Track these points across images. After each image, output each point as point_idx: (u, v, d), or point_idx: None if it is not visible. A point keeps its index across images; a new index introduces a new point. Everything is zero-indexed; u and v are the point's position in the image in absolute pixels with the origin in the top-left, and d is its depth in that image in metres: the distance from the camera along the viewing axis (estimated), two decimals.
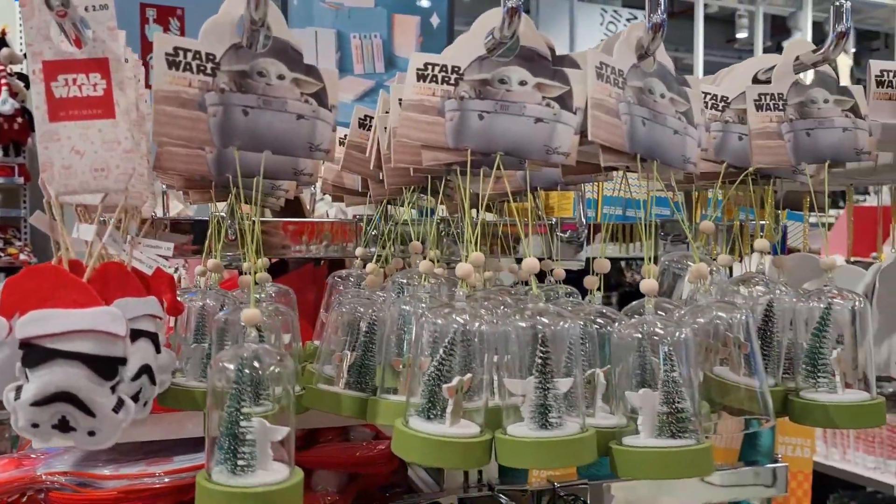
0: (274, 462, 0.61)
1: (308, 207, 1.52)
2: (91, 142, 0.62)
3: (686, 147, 0.70)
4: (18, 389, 0.55)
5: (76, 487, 0.92)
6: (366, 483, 1.01)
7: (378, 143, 0.83)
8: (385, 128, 0.79)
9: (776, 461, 1.12)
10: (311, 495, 0.94)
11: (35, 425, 0.56)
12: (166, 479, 0.92)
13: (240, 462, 0.58)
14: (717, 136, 0.80)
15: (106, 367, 0.56)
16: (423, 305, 0.68)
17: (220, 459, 0.59)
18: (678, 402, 0.59)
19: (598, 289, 0.70)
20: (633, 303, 0.66)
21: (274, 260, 1.10)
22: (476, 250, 0.62)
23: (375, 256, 0.83)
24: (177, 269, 1.29)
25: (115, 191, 0.63)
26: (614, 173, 0.79)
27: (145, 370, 0.65)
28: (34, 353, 0.55)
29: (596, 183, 1.21)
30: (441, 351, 0.62)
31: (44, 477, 0.92)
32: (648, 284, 0.61)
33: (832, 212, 2.99)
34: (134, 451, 1.00)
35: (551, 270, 0.81)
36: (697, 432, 0.58)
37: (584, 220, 1.09)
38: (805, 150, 0.76)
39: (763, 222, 0.80)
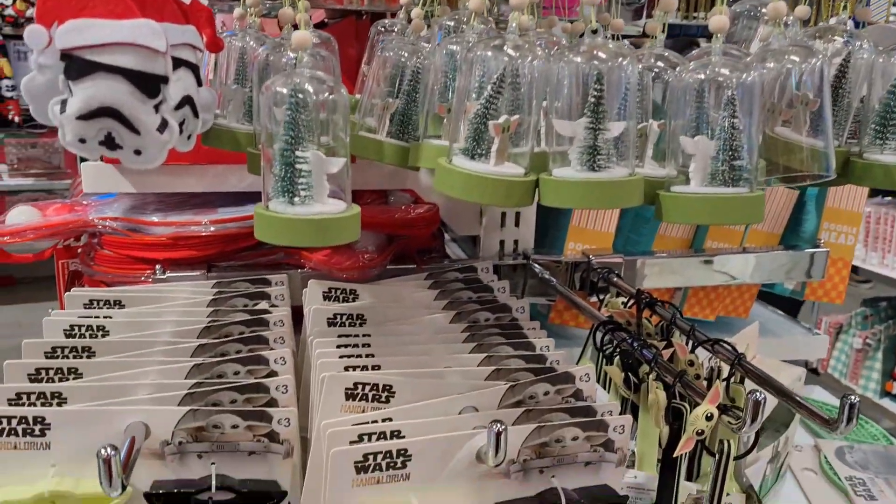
0: (330, 198, 0.61)
1: None
2: None
3: None
4: (63, 103, 0.55)
5: (127, 232, 0.95)
6: (403, 245, 1.02)
7: None
8: None
9: (817, 247, 1.12)
10: (351, 253, 0.96)
11: (82, 140, 0.56)
12: (212, 228, 0.94)
13: (297, 193, 0.58)
14: None
15: (148, 84, 0.55)
16: (471, 42, 0.65)
17: (276, 191, 0.59)
18: (734, 151, 0.57)
19: (662, 31, 0.65)
20: (697, 48, 0.62)
21: (314, 19, 1.06)
22: None
23: (422, 2, 0.78)
24: None
25: None
26: None
27: (188, 101, 0.64)
28: (75, 65, 0.53)
29: None
30: (489, 88, 0.60)
31: (96, 221, 0.95)
32: (717, 22, 0.56)
33: None
34: (180, 203, 1.03)
35: (607, 26, 0.76)
36: (751, 182, 0.56)
37: None
38: None
39: None
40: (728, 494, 0.73)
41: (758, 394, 0.61)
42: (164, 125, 0.57)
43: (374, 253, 0.96)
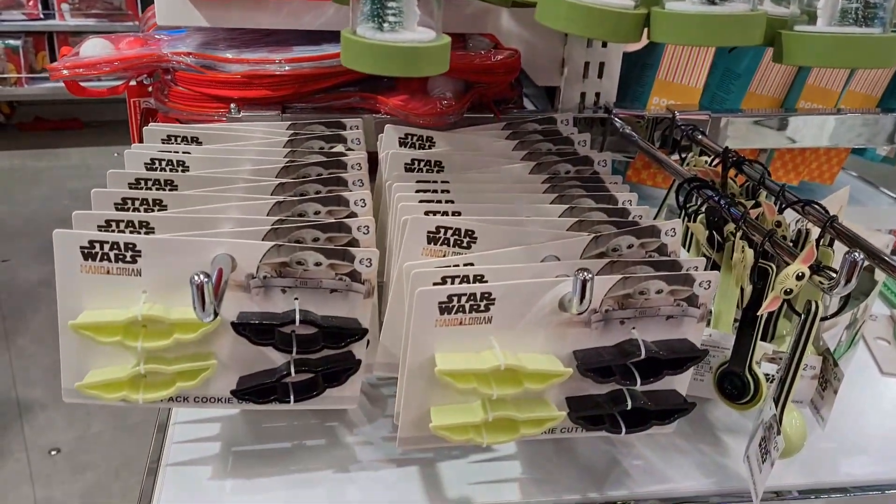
0: (419, 27, 0.58)
1: None
2: None
3: None
4: None
5: (201, 69, 0.93)
6: (480, 93, 0.99)
7: None
8: None
9: None
10: (428, 99, 0.93)
11: None
12: (286, 67, 0.92)
13: (387, 19, 0.55)
14: None
15: None
16: None
17: (364, 16, 0.56)
18: None
19: None
20: None
21: None
22: None
23: None
24: None
25: None
26: None
27: None
28: None
29: None
30: None
31: (170, 56, 0.94)
32: None
33: None
34: (253, 42, 1.00)
35: None
36: (885, 22, 0.51)
37: None
38: None
39: None
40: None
41: (856, 254, 0.58)
42: None
43: (452, 99, 0.93)
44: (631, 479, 0.74)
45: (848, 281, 0.59)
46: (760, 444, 0.67)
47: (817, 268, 0.62)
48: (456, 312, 0.58)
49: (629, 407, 0.63)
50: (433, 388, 0.61)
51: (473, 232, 0.65)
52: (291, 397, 0.66)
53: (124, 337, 0.61)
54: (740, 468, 0.76)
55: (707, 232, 0.77)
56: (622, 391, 0.64)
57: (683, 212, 0.81)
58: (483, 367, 0.58)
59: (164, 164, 0.78)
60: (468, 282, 0.59)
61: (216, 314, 0.55)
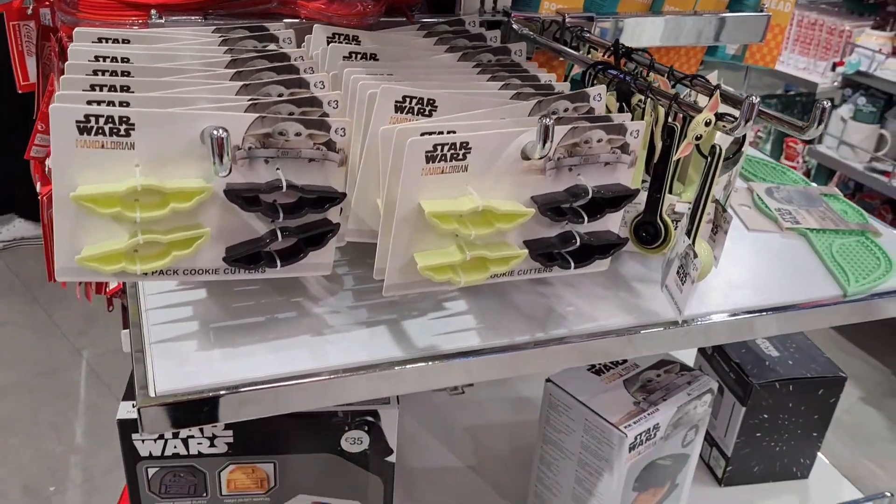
0: None
1: None
2: None
3: None
4: None
5: None
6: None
7: None
8: None
9: (761, 11, 1.23)
10: (349, 1, 0.98)
11: None
12: None
13: None
14: None
15: None
16: None
17: None
18: None
19: None
20: None
21: None
22: None
23: None
24: None
25: None
26: None
27: None
28: None
29: None
30: None
31: None
32: None
33: None
34: None
35: None
36: None
37: None
38: None
39: None
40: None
41: (752, 98, 0.72)
42: None
43: (371, 2, 0.99)
44: (567, 321, 0.86)
45: (747, 121, 0.72)
46: (678, 272, 0.81)
47: (721, 115, 0.75)
48: (439, 161, 0.66)
49: (577, 243, 0.75)
50: (417, 235, 0.69)
51: (434, 101, 0.73)
52: (278, 262, 0.72)
53: (122, 208, 0.64)
54: (653, 306, 0.89)
55: (618, 105, 0.89)
56: (571, 232, 0.75)
57: None
58: (464, 209, 0.67)
59: (108, 61, 0.79)
60: (443, 135, 0.67)
61: (230, 170, 0.60)
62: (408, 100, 0.72)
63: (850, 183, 3.30)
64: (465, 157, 0.67)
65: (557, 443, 1.08)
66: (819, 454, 1.31)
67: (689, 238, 0.80)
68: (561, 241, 0.75)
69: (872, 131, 3.06)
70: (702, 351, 1.33)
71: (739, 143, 0.78)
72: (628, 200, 0.75)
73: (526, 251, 0.73)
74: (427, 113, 0.73)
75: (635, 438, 0.99)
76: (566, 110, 0.77)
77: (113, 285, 1.18)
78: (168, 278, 0.70)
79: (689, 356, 1.37)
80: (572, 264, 0.75)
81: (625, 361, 1.12)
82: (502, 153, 0.68)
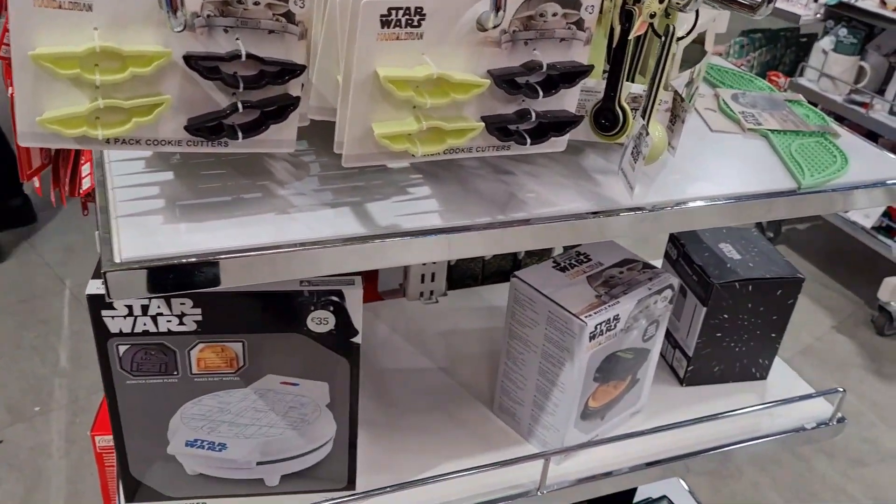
0: None
1: None
2: None
3: None
4: None
5: None
6: None
7: None
8: None
9: None
10: None
11: None
12: None
13: None
14: None
15: None
16: None
17: None
18: None
19: None
20: None
21: None
22: None
23: None
24: None
25: None
26: None
27: None
28: None
29: None
30: None
31: None
32: None
33: None
34: None
35: None
36: None
37: None
38: None
39: None
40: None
41: None
42: None
43: None
44: (527, 205, 0.88)
45: None
46: (632, 153, 0.83)
47: None
48: (393, 27, 0.67)
49: (533, 120, 0.76)
50: (375, 105, 0.70)
51: None
52: (240, 134, 0.73)
53: (82, 70, 0.65)
54: (611, 194, 0.92)
55: None
56: (528, 109, 0.77)
57: None
58: (418, 76, 0.68)
59: None
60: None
61: (185, 25, 0.61)
62: None
63: (830, 115, 3.32)
64: (419, 24, 0.68)
65: (522, 337, 1.12)
66: (777, 357, 1.35)
67: (643, 118, 0.82)
68: (517, 117, 0.77)
69: (853, 63, 3.07)
70: (667, 255, 1.36)
71: (694, 22, 0.80)
72: (582, 77, 0.77)
73: (482, 125, 0.75)
74: None
75: (595, 328, 1.03)
76: (555, 14, 0.78)
77: (86, 185, 1.19)
78: (130, 148, 0.72)
79: (655, 262, 1.40)
80: (528, 140, 0.77)
81: (589, 259, 1.15)
82: (457, 22, 0.70)
